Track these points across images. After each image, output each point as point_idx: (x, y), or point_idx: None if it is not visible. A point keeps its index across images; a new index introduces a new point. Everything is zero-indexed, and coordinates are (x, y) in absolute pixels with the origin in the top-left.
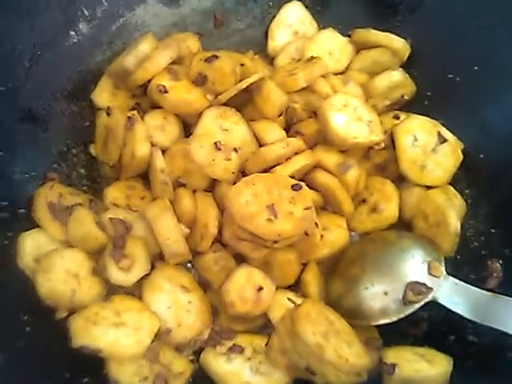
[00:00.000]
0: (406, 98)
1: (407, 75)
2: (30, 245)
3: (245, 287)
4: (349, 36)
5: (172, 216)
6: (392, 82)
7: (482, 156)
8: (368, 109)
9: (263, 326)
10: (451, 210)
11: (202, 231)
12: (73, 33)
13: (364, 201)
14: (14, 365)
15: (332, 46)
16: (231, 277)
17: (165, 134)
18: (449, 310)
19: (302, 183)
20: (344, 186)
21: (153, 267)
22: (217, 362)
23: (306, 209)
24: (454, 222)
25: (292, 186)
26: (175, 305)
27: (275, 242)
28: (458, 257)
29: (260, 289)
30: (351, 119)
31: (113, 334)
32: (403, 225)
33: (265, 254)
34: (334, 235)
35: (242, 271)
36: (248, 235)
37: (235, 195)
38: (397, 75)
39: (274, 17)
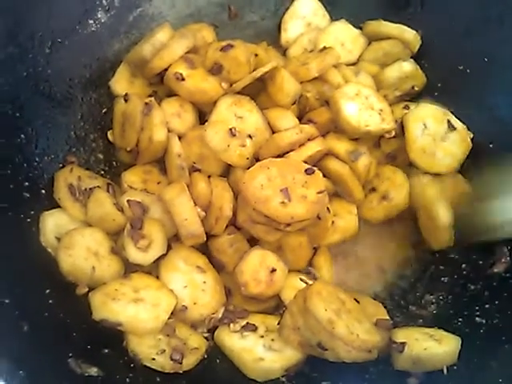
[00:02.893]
0: (417, 89)
1: (418, 66)
2: (52, 223)
3: (258, 269)
4: (360, 28)
5: (189, 198)
6: (403, 73)
7: (491, 145)
8: (379, 98)
9: (276, 307)
10: (440, 203)
11: (217, 214)
12: (91, 21)
13: (374, 189)
14: (38, 333)
15: (344, 38)
16: (245, 258)
17: (181, 121)
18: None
19: (315, 168)
20: (355, 174)
21: (169, 248)
22: (231, 339)
23: (319, 193)
24: (443, 216)
25: (305, 170)
26: (191, 284)
27: (288, 224)
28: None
29: (273, 270)
30: (363, 108)
31: (132, 309)
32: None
33: (278, 237)
34: (344, 221)
35: (256, 253)
36: (262, 218)
37: (250, 179)
38: (407, 66)
39: (288, 9)
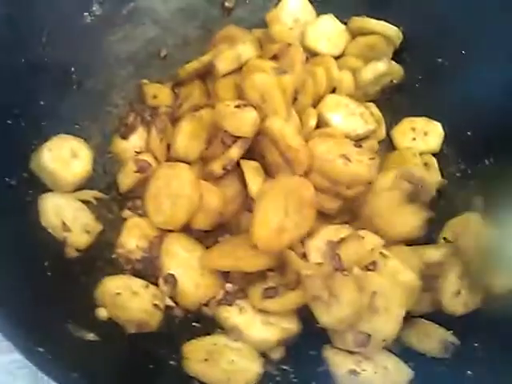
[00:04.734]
0: (395, 81)
1: (393, 62)
2: (51, 203)
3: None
4: (345, 24)
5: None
6: (378, 73)
7: (469, 133)
8: (356, 103)
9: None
10: None
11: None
12: (86, 14)
13: None
14: (39, 295)
15: (330, 32)
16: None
17: None
18: None
19: (361, 143)
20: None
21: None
22: (230, 315)
23: (371, 159)
24: None
25: (354, 144)
26: (191, 269)
27: (349, 188)
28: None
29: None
30: (346, 115)
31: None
32: None
33: (338, 205)
34: None
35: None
36: (326, 183)
37: (315, 145)
38: (382, 66)
39: (276, 5)
